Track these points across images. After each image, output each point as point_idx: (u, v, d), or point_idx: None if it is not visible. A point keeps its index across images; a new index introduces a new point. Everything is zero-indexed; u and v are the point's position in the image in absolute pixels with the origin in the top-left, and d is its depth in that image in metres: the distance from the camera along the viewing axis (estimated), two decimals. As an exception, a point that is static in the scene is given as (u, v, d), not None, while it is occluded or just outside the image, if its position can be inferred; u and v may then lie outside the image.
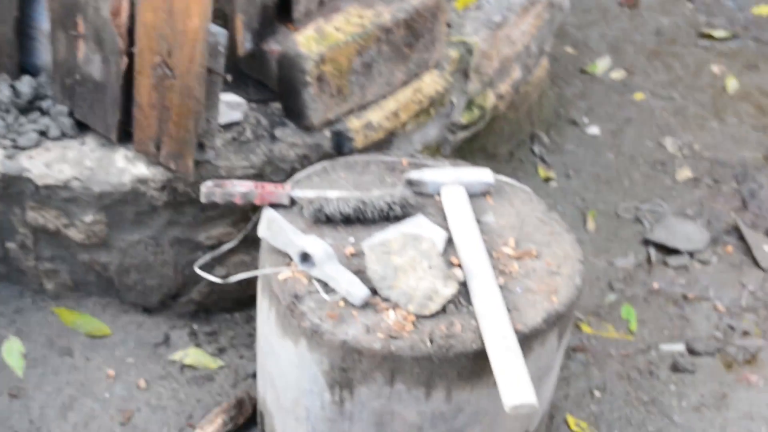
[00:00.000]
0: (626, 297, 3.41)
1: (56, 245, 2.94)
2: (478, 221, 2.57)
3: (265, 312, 2.48)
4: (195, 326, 3.09)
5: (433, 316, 2.29)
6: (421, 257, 2.33)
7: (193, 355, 3.00)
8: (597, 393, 3.05)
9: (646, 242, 3.64)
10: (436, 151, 3.35)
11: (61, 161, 2.78)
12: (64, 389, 2.86)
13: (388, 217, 2.54)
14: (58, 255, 2.97)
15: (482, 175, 2.66)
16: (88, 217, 2.81)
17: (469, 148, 3.61)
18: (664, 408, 3.02)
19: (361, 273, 2.36)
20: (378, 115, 3.00)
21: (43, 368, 2.90)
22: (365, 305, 2.30)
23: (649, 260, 3.57)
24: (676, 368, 3.13)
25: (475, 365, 2.27)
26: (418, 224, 2.52)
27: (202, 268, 2.66)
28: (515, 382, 2.12)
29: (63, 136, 2.85)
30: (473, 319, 2.29)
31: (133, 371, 2.94)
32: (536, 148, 4.00)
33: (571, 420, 2.95)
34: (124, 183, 2.75)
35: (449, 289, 2.30)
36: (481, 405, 2.37)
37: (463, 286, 2.37)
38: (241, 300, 3.13)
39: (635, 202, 3.84)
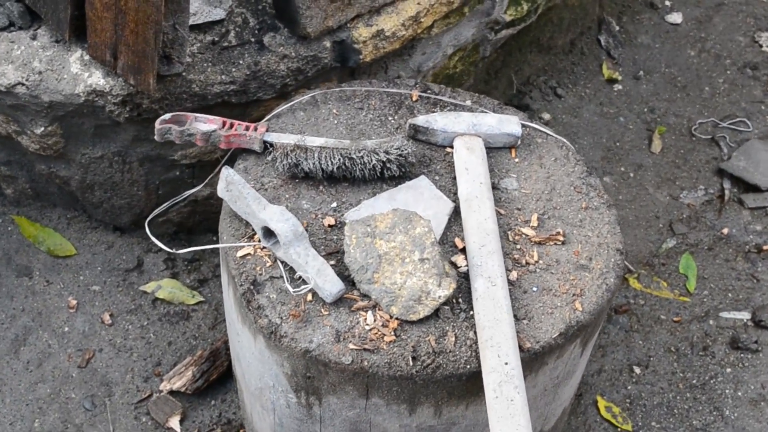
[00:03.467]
0: (688, 244, 2.98)
1: (10, 150, 2.67)
2: (496, 187, 2.05)
3: (225, 284, 2.10)
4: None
5: (421, 321, 1.87)
6: (413, 245, 1.86)
7: (167, 287, 2.70)
8: (637, 370, 2.69)
9: (721, 173, 3.15)
10: (473, 51, 2.81)
11: (5, 60, 2.42)
12: (19, 318, 2.62)
13: (382, 176, 2.03)
14: (14, 160, 2.70)
15: (508, 124, 2.10)
16: (39, 129, 2.49)
17: (516, 43, 3.07)
18: (715, 397, 2.65)
19: (338, 255, 1.90)
20: (393, 22, 2.47)
21: (-3, 289, 2.68)
22: (338, 301, 1.87)
23: (721, 196, 3.10)
24: (736, 344, 2.74)
25: (469, 385, 1.89)
26: (419, 189, 2.02)
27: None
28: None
29: (11, 25, 2.50)
30: (471, 330, 1.87)
31: (98, 302, 2.67)
32: (603, 39, 3.46)
33: (601, 402, 2.59)
34: (77, 94, 2.39)
35: (444, 291, 1.86)
36: (479, 418, 2.00)
37: (465, 279, 1.89)
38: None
39: (714, 117, 3.33)
